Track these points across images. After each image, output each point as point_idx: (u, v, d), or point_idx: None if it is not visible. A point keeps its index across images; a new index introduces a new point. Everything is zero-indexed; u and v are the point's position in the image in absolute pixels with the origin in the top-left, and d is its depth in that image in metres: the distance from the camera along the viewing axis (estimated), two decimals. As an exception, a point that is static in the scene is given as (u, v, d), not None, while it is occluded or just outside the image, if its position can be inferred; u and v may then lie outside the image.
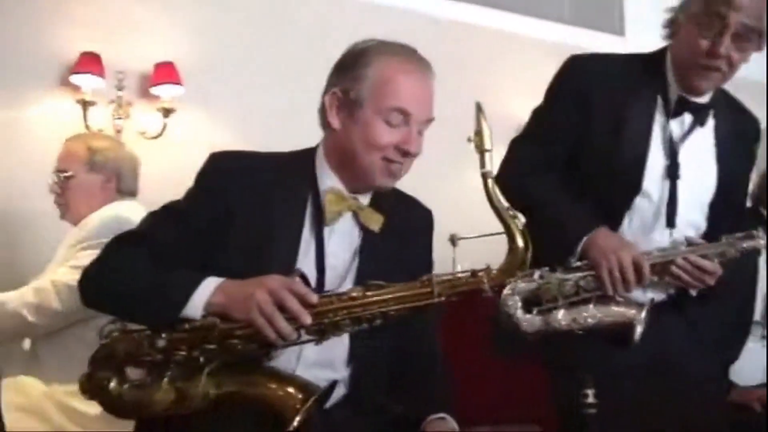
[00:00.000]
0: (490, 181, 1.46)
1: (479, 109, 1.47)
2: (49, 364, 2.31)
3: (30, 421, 2.22)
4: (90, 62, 3.76)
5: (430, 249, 1.84)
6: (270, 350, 1.48)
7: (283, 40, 4.23)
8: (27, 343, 2.41)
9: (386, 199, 1.72)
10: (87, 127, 3.74)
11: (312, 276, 1.61)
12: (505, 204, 1.46)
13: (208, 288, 1.49)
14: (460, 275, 1.50)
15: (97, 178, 2.56)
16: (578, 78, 2.00)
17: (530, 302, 1.81)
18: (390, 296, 1.49)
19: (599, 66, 2.02)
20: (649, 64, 2.00)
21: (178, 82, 3.90)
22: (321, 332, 1.49)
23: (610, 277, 1.81)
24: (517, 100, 4.70)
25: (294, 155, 1.74)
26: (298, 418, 1.39)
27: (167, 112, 3.93)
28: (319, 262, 1.63)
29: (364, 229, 1.68)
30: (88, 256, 2.23)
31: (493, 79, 4.69)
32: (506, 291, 1.77)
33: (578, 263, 1.86)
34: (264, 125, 4.04)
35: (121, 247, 1.62)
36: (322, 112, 1.69)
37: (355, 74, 1.64)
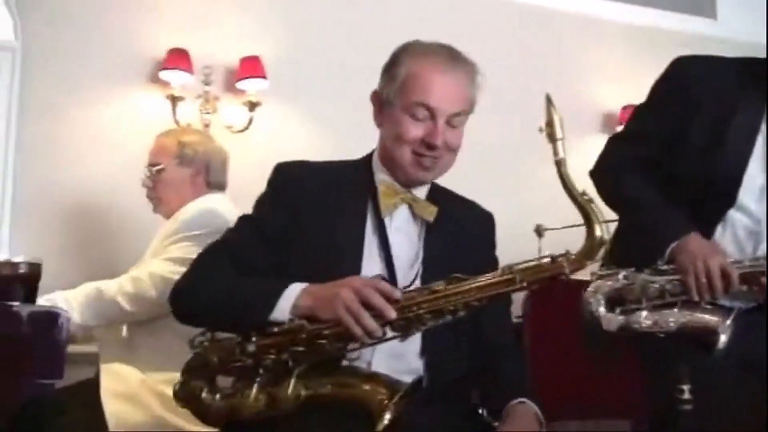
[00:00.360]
0: (563, 168, 1.49)
1: (549, 100, 1.51)
2: (145, 353, 2.38)
3: (128, 408, 2.27)
4: (178, 58, 3.85)
5: (493, 250, 1.86)
6: (357, 348, 1.52)
7: (368, 33, 4.22)
8: (125, 332, 2.48)
9: (444, 198, 1.79)
10: (176, 122, 3.83)
11: (382, 271, 1.66)
12: (580, 189, 1.49)
13: (294, 292, 1.54)
14: (540, 261, 1.52)
15: (187, 171, 2.62)
16: (682, 80, 1.94)
17: (614, 301, 1.79)
18: (473, 286, 1.51)
19: (705, 68, 1.93)
20: (762, 69, 1.88)
21: (263, 76, 3.96)
22: (405, 327, 1.52)
23: (696, 283, 1.76)
24: (603, 87, 4.61)
25: (357, 160, 1.81)
26: (388, 417, 1.41)
27: (253, 105, 3.98)
28: (386, 252, 1.68)
29: (426, 228, 1.73)
30: (181, 249, 2.34)
31: (578, 66, 4.60)
32: (590, 288, 1.78)
33: (665, 266, 1.82)
34: (348, 118, 4.03)
35: (207, 260, 1.70)
36: None
37: (390, 74, 1.72)
